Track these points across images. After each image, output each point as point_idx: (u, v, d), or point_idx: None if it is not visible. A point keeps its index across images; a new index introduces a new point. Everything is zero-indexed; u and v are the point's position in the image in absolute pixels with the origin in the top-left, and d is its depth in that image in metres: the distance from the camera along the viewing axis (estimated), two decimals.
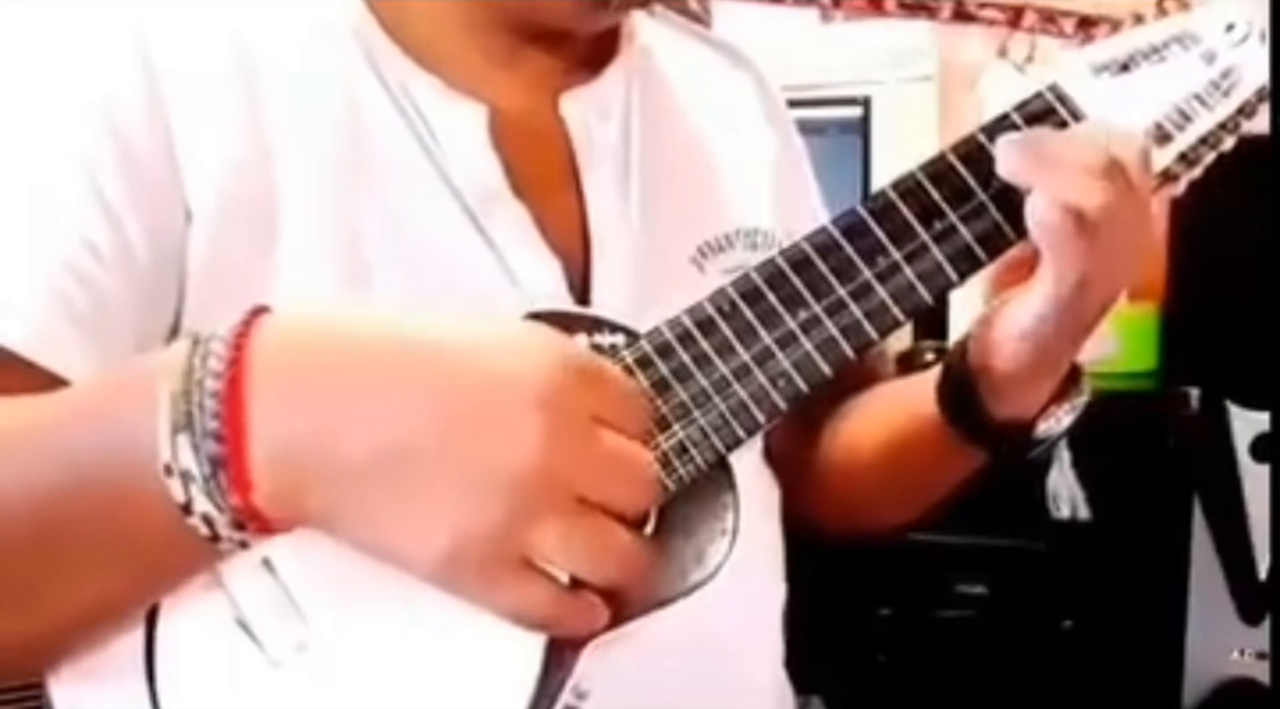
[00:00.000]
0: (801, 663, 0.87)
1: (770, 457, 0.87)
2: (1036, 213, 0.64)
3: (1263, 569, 1.71)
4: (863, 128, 2.15)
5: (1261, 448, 1.71)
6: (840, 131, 2.12)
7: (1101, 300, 0.67)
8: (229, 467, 0.48)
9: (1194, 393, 1.72)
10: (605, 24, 0.77)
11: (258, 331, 0.49)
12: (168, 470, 0.48)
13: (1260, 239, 1.60)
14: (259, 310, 0.51)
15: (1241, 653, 1.74)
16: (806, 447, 0.88)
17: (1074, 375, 0.73)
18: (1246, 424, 1.72)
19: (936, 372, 0.75)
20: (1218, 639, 1.74)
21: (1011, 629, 1.80)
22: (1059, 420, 0.73)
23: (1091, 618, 1.77)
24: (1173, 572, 1.74)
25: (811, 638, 0.88)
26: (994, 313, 0.70)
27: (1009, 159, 0.65)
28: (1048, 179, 0.64)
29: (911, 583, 1.86)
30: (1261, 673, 1.72)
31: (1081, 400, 0.74)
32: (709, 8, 2.03)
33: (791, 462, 0.88)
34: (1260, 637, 1.73)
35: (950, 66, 2.29)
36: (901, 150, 2.26)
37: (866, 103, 2.17)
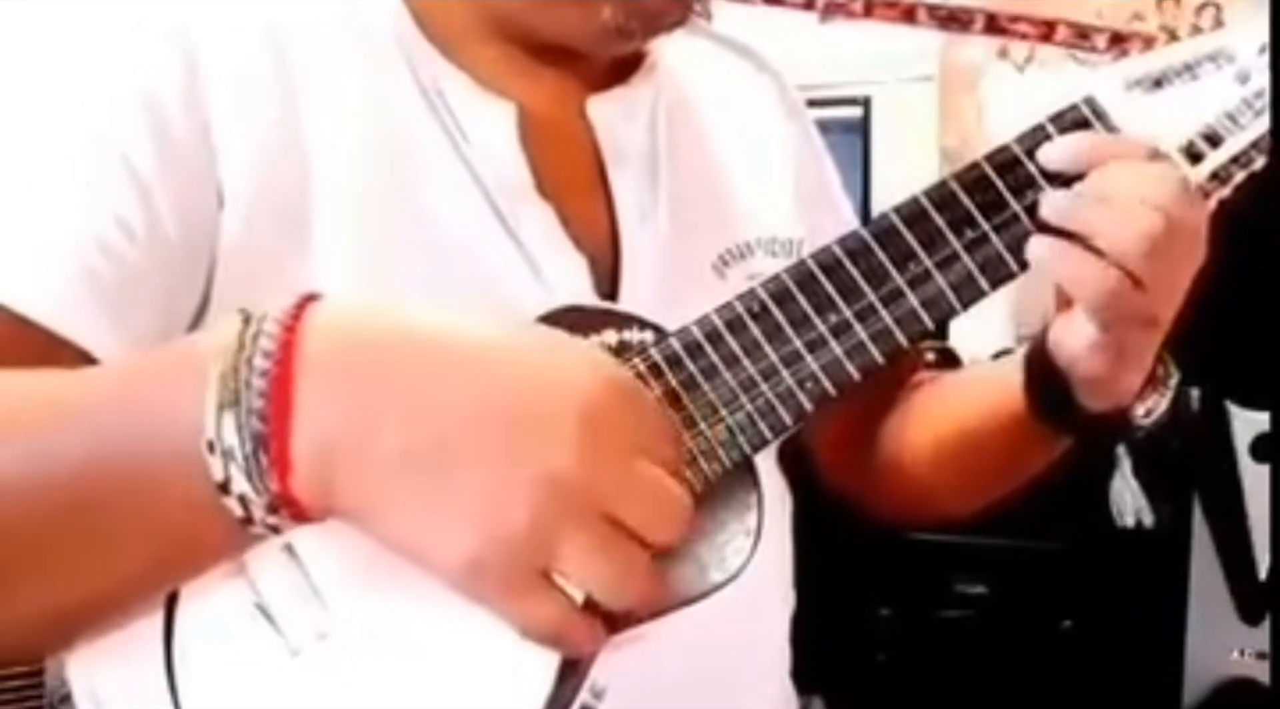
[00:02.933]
0: (802, 663, 0.87)
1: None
2: (1092, 281, 0.63)
3: (1263, 569, 1.72)
4: (863, 128, 2.16)
5: (1261, 448, 1.71)
6: (840, 131, 2.12)
7: (1164, 321, 0.67)
8: (271, 447, 0.48)
9: (1194, 393, 1.72)
10: (629, 50, 0.77)
11: (310, 316, 0.50)
12: (210, 447, 0.48)
13: (1260, 239, 1.60)
14: (311, 296, 0.51)
15: (1241, 653, 1.74)
16: (864, 435, 0.88)
17: (1163, 356, 0.72)
18: (1246, 424, 1.73)
19: (1017, 366, 0.74)
20: (1218, 639, 1.74)
21: (1011, 629, 1.80)
22: (1157, 403, 0.72)
23: (1091, 618, 1.77)
24: (1173, 572, 1.74)
25: (811, 638, 0.88)
26: (1064, 324, 0.69)
27: (1060, 209, 0.64)
28: (1101, 239, 0.63)
29: (911, 583, 1.86)
30: (1261, 673, 1.72)
31: (1174, 380, 0.73)
32: (710, 9, 2.03)
33: (848, 450, 0.88)
34: (1260, 637, 1.73)
35: (950, 67, 2.30)
36: (901, 150, 2.27)
37: (866, 103, 2.17)
